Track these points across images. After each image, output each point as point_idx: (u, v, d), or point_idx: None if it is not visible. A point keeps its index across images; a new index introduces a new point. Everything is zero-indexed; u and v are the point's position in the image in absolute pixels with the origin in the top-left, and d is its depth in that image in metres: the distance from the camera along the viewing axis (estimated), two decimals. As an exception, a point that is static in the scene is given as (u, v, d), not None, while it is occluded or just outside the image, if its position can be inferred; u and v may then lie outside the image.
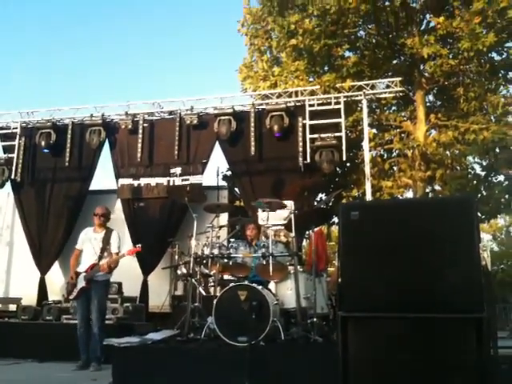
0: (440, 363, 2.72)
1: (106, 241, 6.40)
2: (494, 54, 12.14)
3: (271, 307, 5.12)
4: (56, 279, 9.86)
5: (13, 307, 9.11)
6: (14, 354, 6.98)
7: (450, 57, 11.77)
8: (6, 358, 6.82)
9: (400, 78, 9.79)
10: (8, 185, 10.51)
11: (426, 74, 12.63)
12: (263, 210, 6.21)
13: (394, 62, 13.39)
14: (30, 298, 9.34)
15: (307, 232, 6.28)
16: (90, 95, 57.48)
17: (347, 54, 12.86)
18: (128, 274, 8.83)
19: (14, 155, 10.31)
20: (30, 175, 10.43)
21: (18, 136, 10.40)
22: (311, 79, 12.52)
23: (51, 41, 58.58)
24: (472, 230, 2.78)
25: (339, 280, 2.97)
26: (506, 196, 12.14)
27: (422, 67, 12.59)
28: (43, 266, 9.98)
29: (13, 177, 10.28)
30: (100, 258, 6.31)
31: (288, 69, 12.37)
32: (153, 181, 9.86)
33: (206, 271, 6.36)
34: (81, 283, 6.25)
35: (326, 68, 12.56)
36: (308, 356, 4.76)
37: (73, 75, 58.60)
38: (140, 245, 6.56)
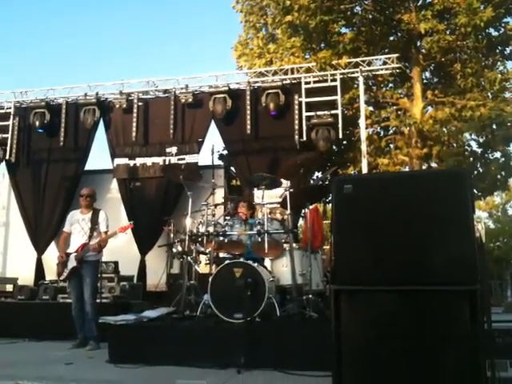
0: (433, 336, 2.72)
1: (95, 221, 6.38)
2: (491, 30, 11.97)
3: (267, 284, 5.13)
4: (53, 259, 9.75)
5: (9, 287, 9.15)
6: (10, 334, 7.00)
7: (447, 32, 11.62)
8: (2, 337, 6.85)
9: (397, 55, 9.69)
10: (3, 165, 10.49)
11: (423, 51, 12.50)
12: (259, 188, 6.19)
13: (391, 38, 13.23)
14: (26, 278, 9.38)
15: (303, 210, 6.26)
16: (84, 74, 57.01)
17: (343, 30, 12.70)
18: (125, 254, 8.89)
19: (9, 135, 10.25)
20: (25, 156, 10.41)
21: (11, 116, 10.34)
22: (307, 56, 12.39)
23: (44, 19, 57.88)
24: (466, 202, 2.76)
25: (332, 253, 2.96)
26: (503, 173, 12.12)
27: (418, 43, 12.45)
28: (40, 246, 10.01)
29: (7, 157, 10.24)
30: (90, 237, 6.29)
31: (284, 46, 12.23)
32: (148, 160, 9.84)
33: (202, 249, 6.37)
34: (71, 264, 6.24)
35: (322, 45, 12.40)
36: (303, 332, 4.79)
37: (67, 54, 58.05)
38: (132, 222, 6.56)
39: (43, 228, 10.07)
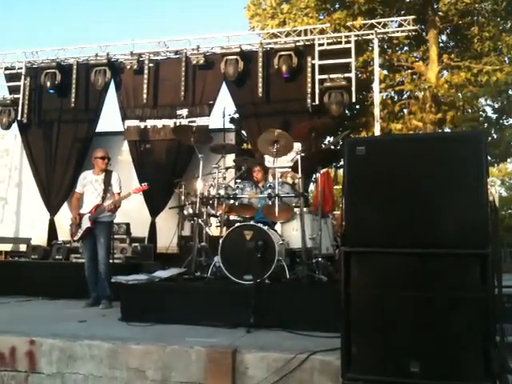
0: (443, 299, 2.72)
1: (108, 182, 6.44)
2: (511, -8, 11.69)
3: (277, 247, 5.14)
4: (65, 220, 9.88)
5: (23, 247, 9.28)
6: (25, 292, 7.15)
7: (466, -6, 11.35)
8: (17, 295, 7.00)
9: (413, 17, 9.46)
10: (15, 126, 10.50)
11: (440, 13, 12.25)
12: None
13: (408, -1, 12.94)
14: (39, 238, 9.50)
15: (314, 175, 6.21)
16: (95, 34, 56.37)
17: (359, -10, 12.41)
18: (136, 215, 8.95)
19: (20, 96, 10.22)
20: (37, 116, 10.39)
21: (23, 76, 10.28)
22: (321, 17, 12.16)
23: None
24: (480, 165, 2.72)
25: (343, 215, 2.95)
26: (517, 139, 11.97)
27: (435, 5, 12.16)
28: (52, 207, 10.09)
29: (19, 118, 10.23)
30: (103, 198, 6.35)
31: (297, 6, 12.00)
32: (159, 122, 9.80)
33: (213, 212, 6.38)
34: (85, 224, 6.30)
35: (336, 5, 12.16)
36: (312, 294, 4.82)
37: (78, 13, 57.31)
38: (146, 183, 6.60)
39: (55, 189, 10.13)
